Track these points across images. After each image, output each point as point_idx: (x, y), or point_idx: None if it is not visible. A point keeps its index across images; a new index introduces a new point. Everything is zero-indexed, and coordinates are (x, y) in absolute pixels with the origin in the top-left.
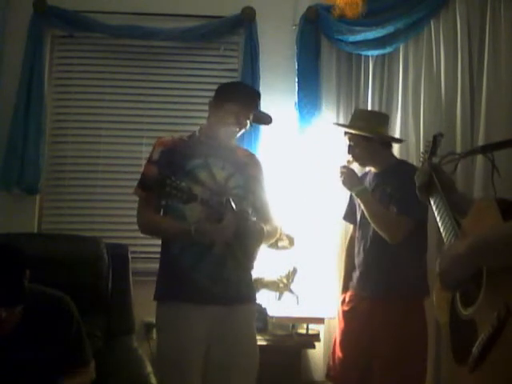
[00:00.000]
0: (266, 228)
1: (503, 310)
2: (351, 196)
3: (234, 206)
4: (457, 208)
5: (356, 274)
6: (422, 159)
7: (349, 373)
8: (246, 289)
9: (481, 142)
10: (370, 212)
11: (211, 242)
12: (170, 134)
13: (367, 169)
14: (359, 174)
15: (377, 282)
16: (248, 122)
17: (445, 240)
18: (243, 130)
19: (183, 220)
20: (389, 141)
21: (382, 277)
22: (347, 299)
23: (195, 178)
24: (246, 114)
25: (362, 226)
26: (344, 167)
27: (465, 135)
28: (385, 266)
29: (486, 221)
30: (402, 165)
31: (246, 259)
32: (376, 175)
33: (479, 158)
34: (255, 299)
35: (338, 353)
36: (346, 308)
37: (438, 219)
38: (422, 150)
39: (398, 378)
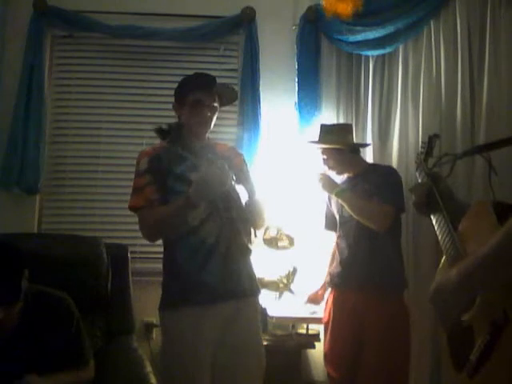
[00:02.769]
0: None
1: (501, 317)
2: (326, 203)
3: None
4: (457, 217)
5: (337, 271)
6: (417, 160)
7: (341, 365)
8: (249, 282)
9: (481, 142)
10: (354, 206)
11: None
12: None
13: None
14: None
15: (364, 275)
16: (215, 104)
17: (445, 257)
18: (215, 116)
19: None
20: (357, 148)
21: (370, 270)
22: (330, 299)
23: (187, 180)
24: (208, 96)
25: (342, 224)
26: (321, 174)
27: (465, 135)
28: (371, 260)
29: (483, 226)
30: (376, 166)
31: (250, 246)
32: (351, 178)
33: (479, 158)
34: (259, 292)
35: (329, 347)
36: (331, 307)
37: (439, 238)
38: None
39: (388, 368)
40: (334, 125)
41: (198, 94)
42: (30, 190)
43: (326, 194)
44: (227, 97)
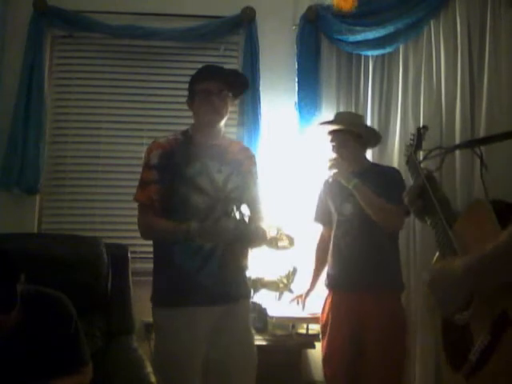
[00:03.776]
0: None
1: (500, 317)
2: (320, 196)
3: (237, 216)
4: (452, 219)
5: (336, 271)
6: (407, 153)
7: (339, 364)
8: (243, 286)
9: None
10: (371, 203)
11: (210, 243)
12: (167, 134)
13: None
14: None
15: (365, 275)
16: (225, 92)
17: (438, 254)
18: (227, 105)
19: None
20: (368, 139)
21: (371, 270)
22: (328, 302)
23: (195, 185)
24: (216, 84)
25: (341, 222)
26: (335, 159)
27: (465, 135)
28: (373, 259)
29: (483, 226)
30: (379, 167)
31: (246, 261)
32: (353, 174)
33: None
34: (250, 294)
35: (327, 347)
36: (329, 309)
37: (435, 240)
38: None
39: (385, 365)
40: (350, 112)
41: (205, 84)
42: (30, 190)
43: (320, 188)
44: (238, 84)
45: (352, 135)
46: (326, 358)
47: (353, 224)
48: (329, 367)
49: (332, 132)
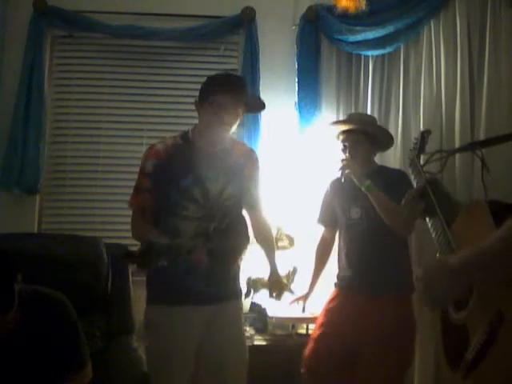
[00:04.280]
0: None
1: (495, 318)
2: (325, 198)
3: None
4: (451, 216)
5: (347, 275)
6: (410, 156)
7: (329, 365)
8: (235, 286)
9: None
10: (383, 205)
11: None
12: (166, 135)
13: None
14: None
15: (378, 279)
16: (238, 110)
17: (438, 255)
18: (236, 122)
19: (176, 234)
20: (381, 142)
21: (383, 274)
22: (332, 297)
23: (189, 196)
24: (232, 101)
25: (350, 226)
26: (347, 159)
27: (465, 135)
28: (385, 264)
29: (479, 226)
30: (385, 168)
31: (236, 265)
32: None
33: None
34: (241, 294)
35: (317, 344)
36: (329, 305)
37: (435, 241)
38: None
39: (389, 363)
40: (364, 114)
41: (220, 97)
42: (30, 190)
43: (326, 189)
44: (253, 106)
45: (365, 136)
46: (314, 352)
47: (362, 227)
48: (317, 362)
49: (344, 132)
